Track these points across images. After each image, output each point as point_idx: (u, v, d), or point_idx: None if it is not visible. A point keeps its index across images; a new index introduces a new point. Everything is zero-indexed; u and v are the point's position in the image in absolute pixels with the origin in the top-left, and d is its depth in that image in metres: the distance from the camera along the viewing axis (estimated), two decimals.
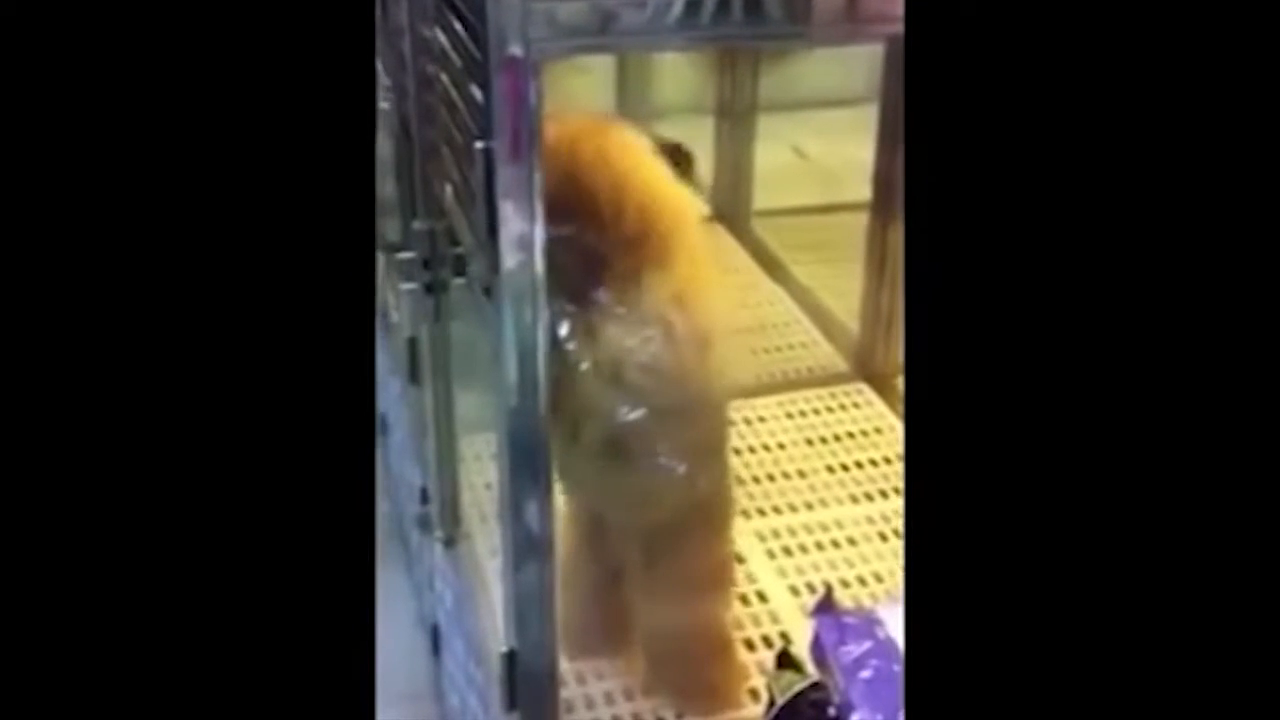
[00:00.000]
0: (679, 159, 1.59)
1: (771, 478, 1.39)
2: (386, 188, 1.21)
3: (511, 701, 0.89)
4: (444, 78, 0.94)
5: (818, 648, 0.83)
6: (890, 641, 0.80)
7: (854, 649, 0.79)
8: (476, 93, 0.77)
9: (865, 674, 0.78)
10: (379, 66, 1.26)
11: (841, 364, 1.62)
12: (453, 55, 0.88)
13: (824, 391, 1.55)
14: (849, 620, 0.82)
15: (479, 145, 0.74)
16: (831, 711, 0.80)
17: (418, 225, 1.08)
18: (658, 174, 0.95)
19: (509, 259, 0.76)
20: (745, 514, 1.33)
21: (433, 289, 1.09)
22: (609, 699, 1.08)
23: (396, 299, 1.23)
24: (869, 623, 0.82)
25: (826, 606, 0.86)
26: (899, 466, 1.40)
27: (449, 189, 0.96)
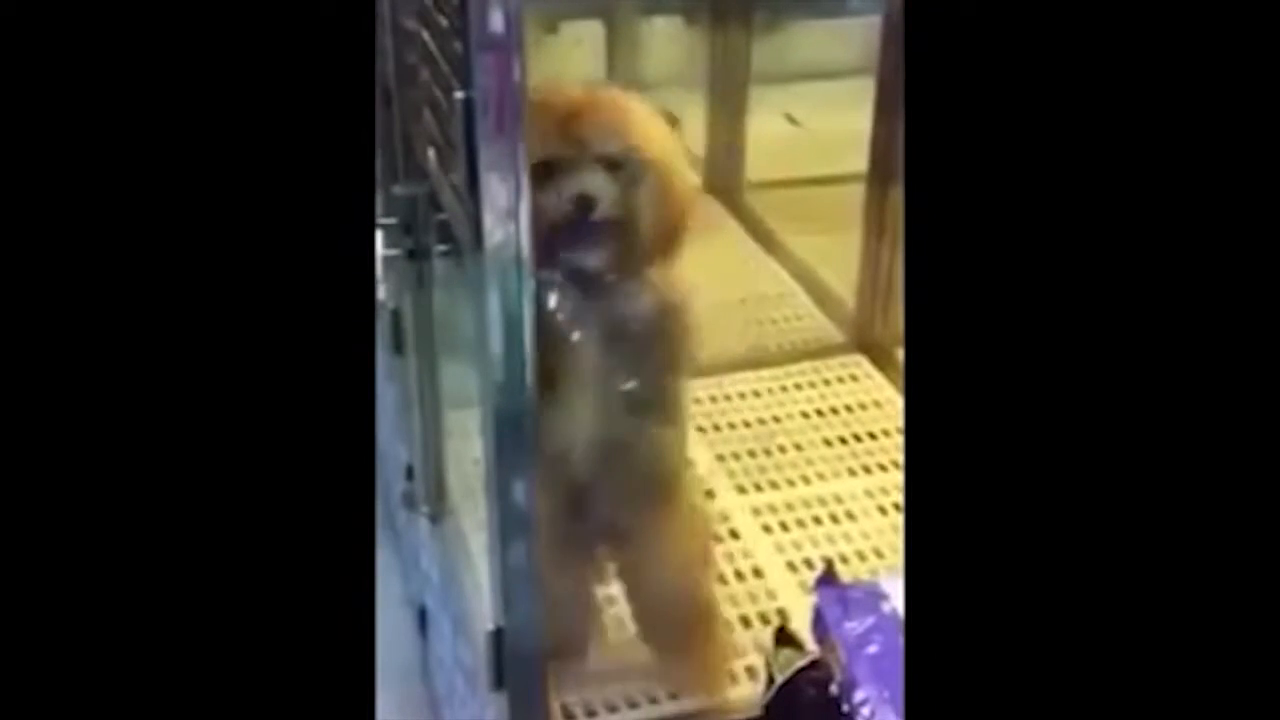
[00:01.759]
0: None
1: (768, 452, 1.37)
2: None
3: (498, 680, 0.87)
4: (425, 35, 0.90)
5: (819, 623, 0.80)
6: (896, 616, 0.77)
7: (858, 624, 0.77)
8: (458, 45, 0.74)
9: (870, 649, 0.75)
10: None
11: (838, 336, 1.59)
12: (434, 9, 0.85)
13: (820, 364, 1.53)
14: (852, 594, 0.79)
15: (459, 95, 0.70)
16: (833, 689, 0.77)
17: (399, 190, 1.05)
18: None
19: (493, 226, 0.73)
20: (741, 489, 1.30)
21: (415, 256, 1.05)
22: (598, 678, 1.06)
23: (379, 268, 1.20)
24: (873, 597, 0.79)
25: (829, 581, 0.83)
26: (898, 439, 1.38)
27: (431, 152, 0.93)
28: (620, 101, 0.90)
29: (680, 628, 1.03)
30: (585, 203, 0.86)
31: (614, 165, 0.87)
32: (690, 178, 0.95)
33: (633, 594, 1.05)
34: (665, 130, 0.91)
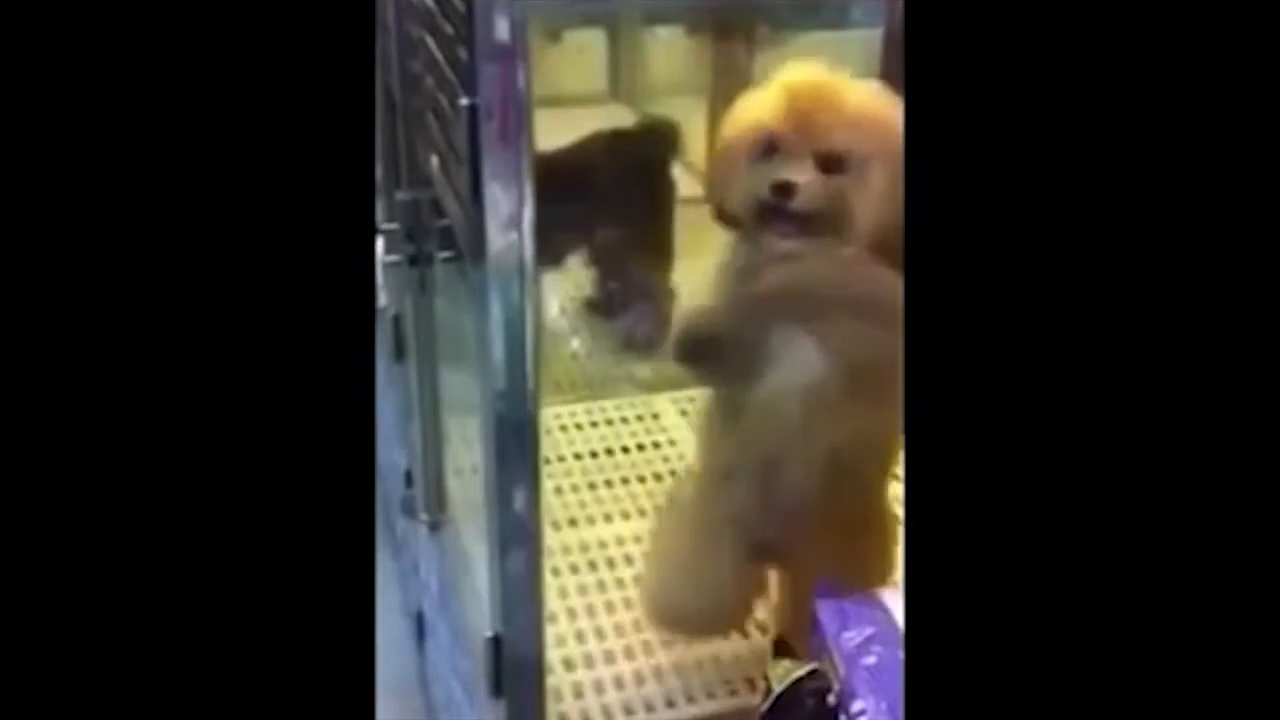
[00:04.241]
0: (669, 135, 1.57)
1: None
2: None
3: (497, 688, 0.86)
4: (429, 41, 0.91)
5: (818, 634, 0.80)
6: (895, 627, 0.77)
7: (856, 635, 0.76)
8: (462, 52, 0.75)
9: (869, 660, 0.75)
10: None
11: None
12: (439, 16, 0.85)
13: None
14: (851, 605, 0.79)
15: (463, 102, 0.70)
16: (831, 700, 0.77)
17: (401, 196, 1.05)
18: None
19: (496, 234, 0.73)
20: None
21: (417, 262, 1.05)
22: (598, 688, 1.06)
23: (380, 274, 1.20)
24: (872, 607, 0.79)
25: (827, 591, 0.83)
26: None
27: (434, 159, 0.93)
28: (846, 92, 0.90)
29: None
30: (784, 190, 0.87)
31: (827, 159, 0.87)
32: None
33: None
34: (894, 116, 0.90)
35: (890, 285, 0.85)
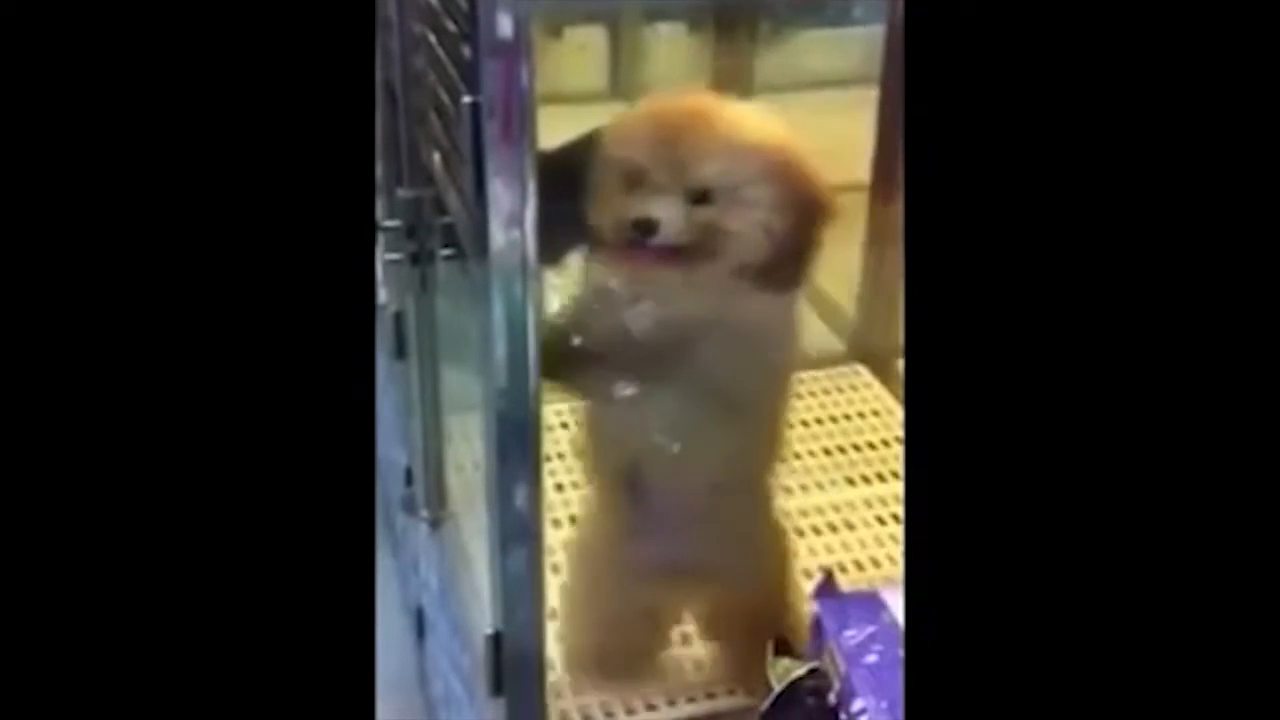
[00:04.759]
0: None
1: None
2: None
3: (497, 686, 0.86)
4: (432, 38, 0.91)
5: (818, 632, 0.80)
6: (895, 625, 0.77)
7: (857, 633, 0.76)
8: (465, 49, 0.74)
9: (869, 659, 0.75)
10: None
11: (838, 345, 1.59)
12: (441, 14, 0.85)
13: (821, 373, 1.52)
14: (852, 604, 0.79)
15: (466, 100, 0.70)
16: (832, 698, 0.77)
17: (403, 193, 1.05)
18: None
19: (498, 231, 0.73)
20: None
21: (418, 259, 1.05)
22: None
23: (382, 271, 1.20)
24: (873, 606, 0.79)
25: (828, 589, 0.83)
26: (897, 449, 1.38)
27: (436, 156, 0.93)
28: (728, 118, 0.88)
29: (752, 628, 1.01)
30: (645, 226, 0.85)
31: (697, 193, 0.86)
32: (819, 193, 0.90)
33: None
34: (785, 150, 0.89)
35: (758, 311, 0.88)
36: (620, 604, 1.01)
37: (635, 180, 0.87)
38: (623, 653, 1.04)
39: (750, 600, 1.00)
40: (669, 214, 0.85)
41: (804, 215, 0.88)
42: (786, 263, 0.89)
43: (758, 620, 0.98)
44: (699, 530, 0.96)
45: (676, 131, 0.86)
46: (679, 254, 0.87)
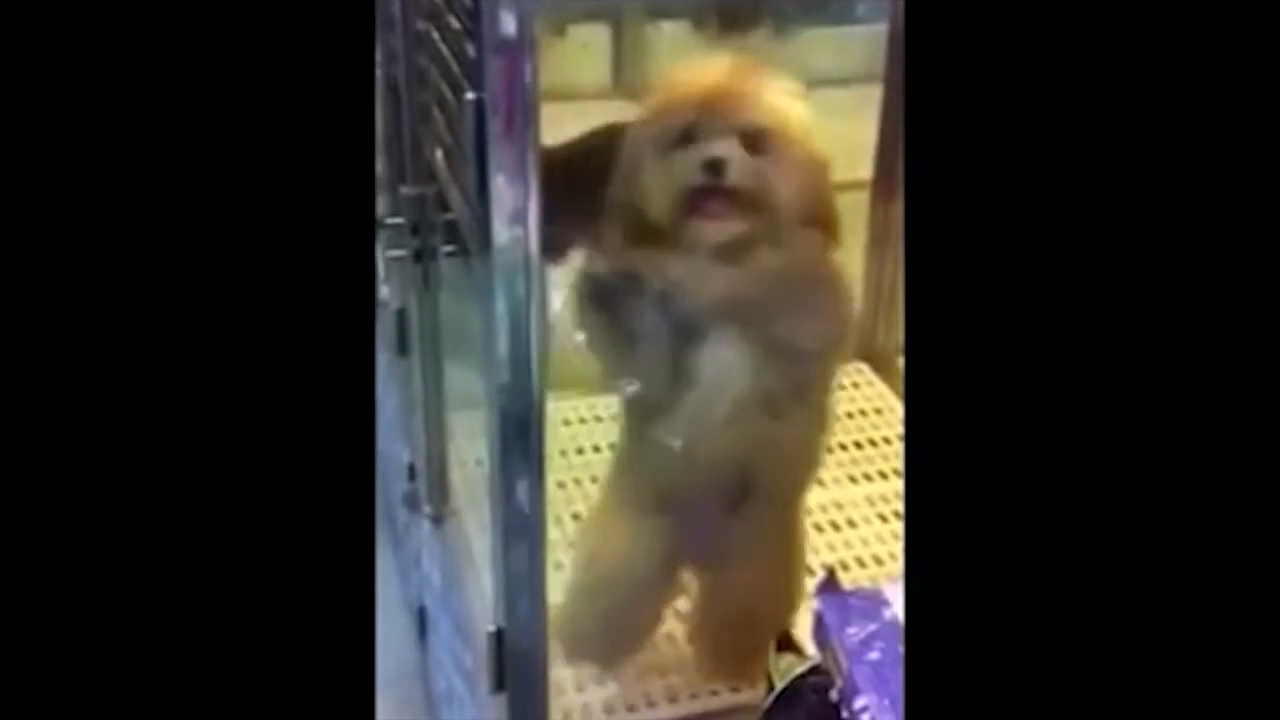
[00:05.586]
0: None
1: None
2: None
3: (499, 682, 0.86)
4: (435, 35, 0.91)
5: (820, 629, 0.80)
6: (896, 623, 0.77)
7: (859, 630, 0.76)
8: (469, 46, 0.75)
9: (872, 656, 0.75)
10: None
11: None
12: (445, 11, 0.85)
13: None
14: (854, 601, 0.79)
15: (469, 97, 0.70)
16: (834, 695, 0.77)
17: (406, 190, 1.05)
18: None
19: (501, 228, 0.73)
20: None
21: (421, 257, 1.05)
22: (600, 681, 1.05)
23: (384, 268, 1.20)
24: (875, 603, 0.79)
25: (830, 587, 0.83)
26: (898, 446, 1.37)
27: (439, 153, 0.93)
28: (758, 80, 0.90)
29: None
30: (716, 166, 0.86)
31: (749, 137, 0.88)
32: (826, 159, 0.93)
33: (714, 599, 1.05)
34: (802, 112, 0.91)
35: (827, 262, 0.91)
36: (628, 580, 1.01)
37: (687, 138, 0.88)
38: (619, 627, 1.04)
39: (756, 595, 1.00)
40: (733, 153, 0.87)
41: (823, 171, 0.91)
42: (831, 214, 0.92)
43: (762, 616, 0.98)
44: (728, 518, 0.97)
45: (720, 85, 0.89)
46: (744, 205, 0.88)
